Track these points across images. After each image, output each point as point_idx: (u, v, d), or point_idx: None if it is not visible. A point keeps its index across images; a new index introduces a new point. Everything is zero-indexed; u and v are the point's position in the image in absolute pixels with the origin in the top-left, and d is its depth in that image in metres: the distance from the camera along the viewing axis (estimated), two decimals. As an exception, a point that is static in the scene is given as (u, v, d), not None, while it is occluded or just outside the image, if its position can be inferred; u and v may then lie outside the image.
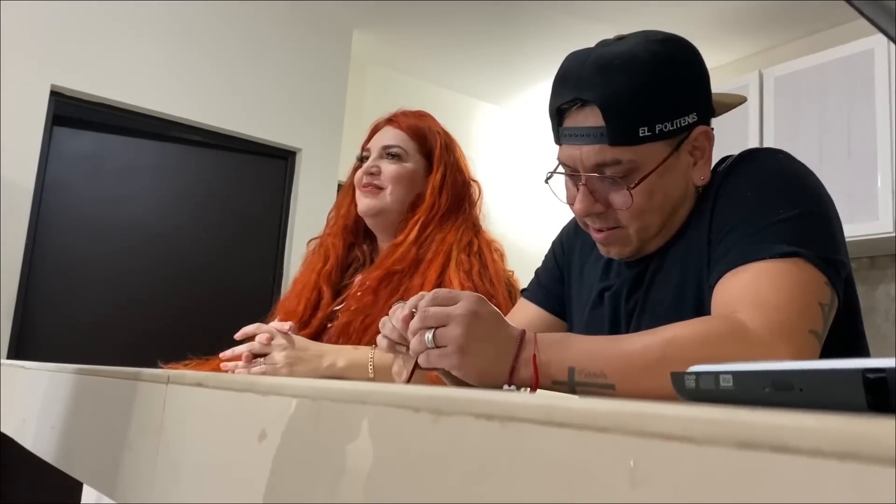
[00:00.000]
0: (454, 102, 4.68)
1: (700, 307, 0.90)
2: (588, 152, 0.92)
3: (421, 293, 0.85)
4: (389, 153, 1.53)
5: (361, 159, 1.56)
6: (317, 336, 1.44)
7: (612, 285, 1.03)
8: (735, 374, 0.38)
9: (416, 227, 1.46)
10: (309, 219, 3.68)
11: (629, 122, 0.89)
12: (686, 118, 0.92)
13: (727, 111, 1.04)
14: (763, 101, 3.30)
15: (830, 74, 3.16)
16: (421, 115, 1.59)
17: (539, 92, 4.69)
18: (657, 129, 0.90)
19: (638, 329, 0.96)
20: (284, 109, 3.67)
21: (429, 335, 0.79)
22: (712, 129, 0.97)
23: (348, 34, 3.93)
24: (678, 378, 0.42)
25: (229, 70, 3.53)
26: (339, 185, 3.85)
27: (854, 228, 2.92)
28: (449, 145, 1.56)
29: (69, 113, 3.19)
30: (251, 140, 3.59)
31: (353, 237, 1.59)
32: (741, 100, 1.07)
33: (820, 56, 3.23)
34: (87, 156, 3.29)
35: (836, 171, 3.05)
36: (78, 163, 3.25)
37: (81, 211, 3.23)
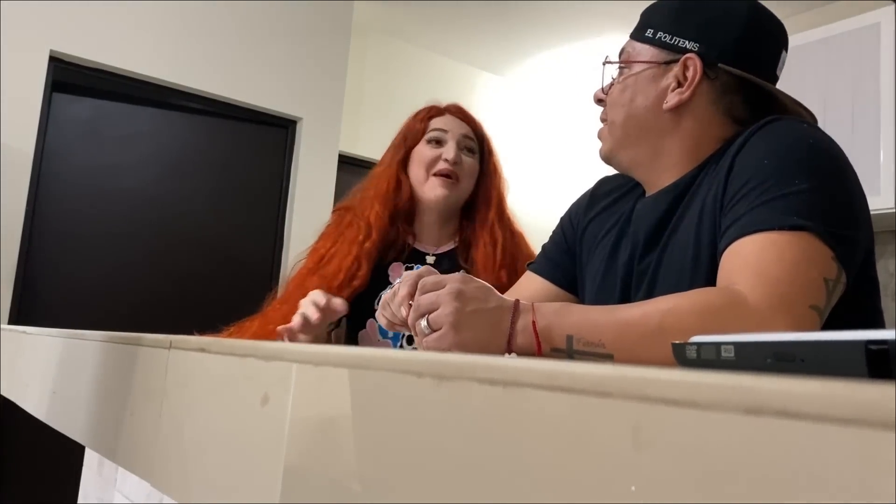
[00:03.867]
0: (455, 72, 4.65)
1: (713, 274, 0.89)
2: (625, 42, 1.06)
3: (413, 273, 0.88)
4: (468, 147, 1.57)
5: (434, 141, 1.56)
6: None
7: (628, 249, 1.03)
8: (737, 344, 0.38)
9: (498, 226, 1.55)
10: (309, 188, 3.67)
11: (645, 21, 1.04)
12: (684, 41, 0.98)
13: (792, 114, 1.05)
14: (767, 74, 3.26)
15: (835, 48, 3.14)
16: (473, 116, 1.64)
17: (541, 61, 4.66)
18: (657, 35, 1.01)
19: (649, 292, 0.96)
20: (285, 78, 3.64)
21: (423, 322, 0.83)
22: (711, 72, 0.98)
23: (350, 2, 3.89)
24: (679, 348, 0.42)
25: (230, 37, 3.50)
26: (340, 155, 3.84)
27: (855, 204, 2.91)
28: None
29: (68, 79, 3.16)
30: (252, 108, 3.57)
31: (395, 216, 1.56)
32: (811, 117, 1.07)
33: (825, 30, 3.19)
34: (87, 122, 3.27)
35: (840, 145, 3.03)
36: (77, 129, 3.23)
37: (81, 177, 3.22)
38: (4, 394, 1.15)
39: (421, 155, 1.55)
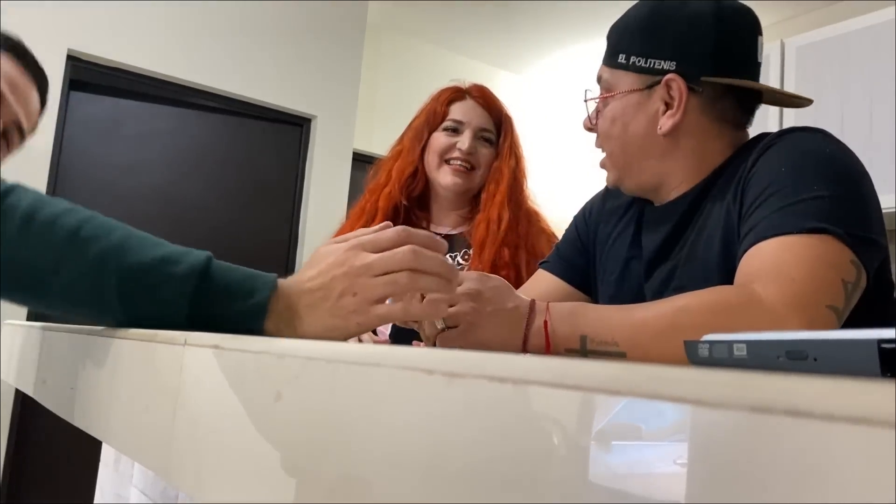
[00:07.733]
0: (472, 70, 4.63)
1: (729, 281, 0.89)
2: (599, 68, 1.05)
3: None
4: (484, 137, 1.61)
5: (451, 130, 1.59)
6: None
7: (640, 255, 1.03)
8: (749, 343, 0.37)
9: (506, 204, 1.55)
10: (323, 186, 3.68)
11: (614, 46, 1.01)
12: (660, 62, 0.97)
13: (788, 106, 1.08)
14: (784, 71, 3.25)
15: (853, 44, 3.11)
16: (495, 97, 1.68)
17: (558, 59, 4.64)
18: (630, 59, 0.99)
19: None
20: (300, 76, 3.65)
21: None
22: (695, 87, 0.96)
23: (364, 0, 3.89)
24: (691, 346, 0.42)
25: (245, 36, 3.51)
26: (354, 153, 3.85)
27: (873, 202, 2.88)
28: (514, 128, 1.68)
29: (86, 77, 3.19)
30: (267, 107, 3.58)
31: (409, 204, 1.62)
32: (807, 102, 1.05)
33: (843, 26, 3.16)
34: (104, 120, 3.29)
35: (858, 142, 2.99)
36: (95, 127, 3.26)
37: (98, 175, 3.24)
38: (23, 389, 1.16)
39: (437, 142, 1.59)
